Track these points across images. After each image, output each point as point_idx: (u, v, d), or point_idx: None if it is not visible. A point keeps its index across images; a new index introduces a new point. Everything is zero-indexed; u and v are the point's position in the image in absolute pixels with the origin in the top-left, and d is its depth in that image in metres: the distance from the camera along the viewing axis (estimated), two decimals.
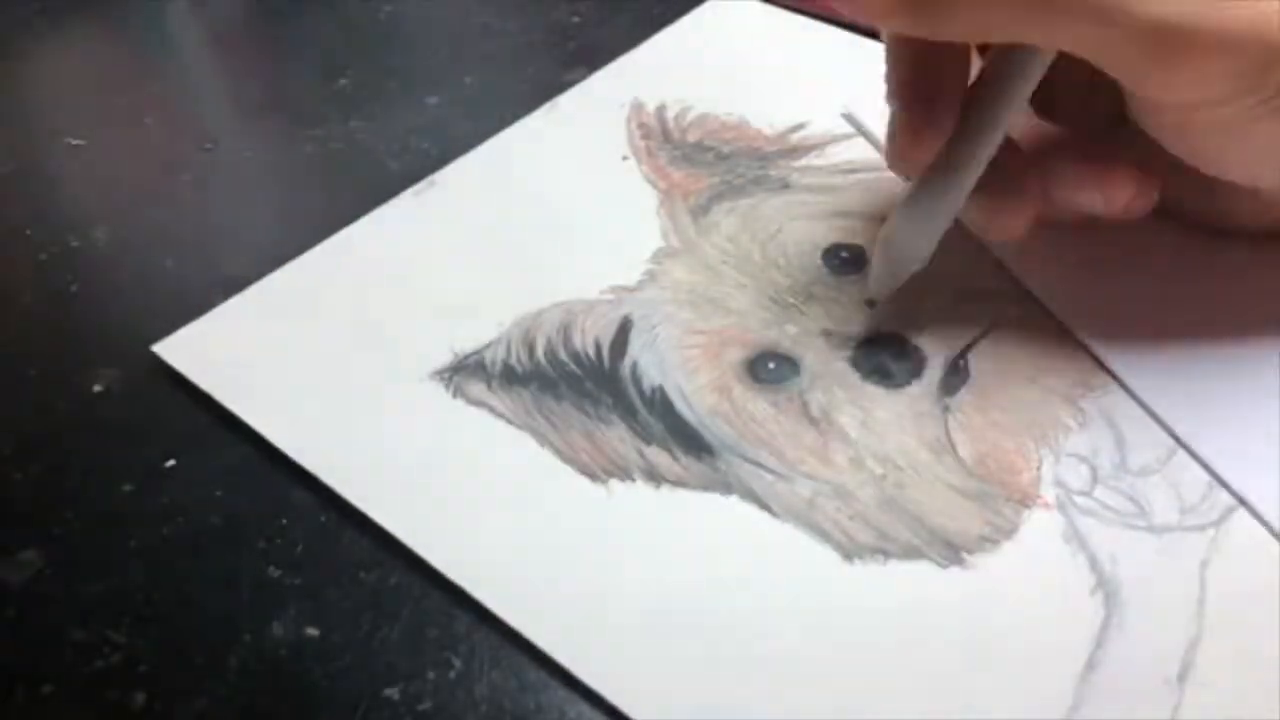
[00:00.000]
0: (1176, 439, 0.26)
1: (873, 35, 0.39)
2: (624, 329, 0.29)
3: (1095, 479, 0.25)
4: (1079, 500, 0.25)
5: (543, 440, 0.26)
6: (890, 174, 0.29)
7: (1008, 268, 0.30)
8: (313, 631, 0.23)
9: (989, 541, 0.24)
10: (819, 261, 0.30)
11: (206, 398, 0.28)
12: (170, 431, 0.27)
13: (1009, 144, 0.27)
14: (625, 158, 0.35)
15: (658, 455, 0.26)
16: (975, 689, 0.22)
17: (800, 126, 0.35)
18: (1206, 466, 0.25)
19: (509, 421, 0.27)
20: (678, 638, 0.23)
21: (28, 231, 0.34)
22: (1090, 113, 0.27)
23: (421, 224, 0.33)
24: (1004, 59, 0.25)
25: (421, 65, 0.41)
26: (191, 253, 0.33)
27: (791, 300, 0.29)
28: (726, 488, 0.25)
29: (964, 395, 0.27)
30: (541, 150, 0.35)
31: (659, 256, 0.31)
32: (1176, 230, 0.29)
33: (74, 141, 0.37)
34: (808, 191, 0.33)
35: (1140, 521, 0.24)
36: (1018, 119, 0.26)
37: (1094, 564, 0.23)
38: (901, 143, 0.26)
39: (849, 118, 0.35)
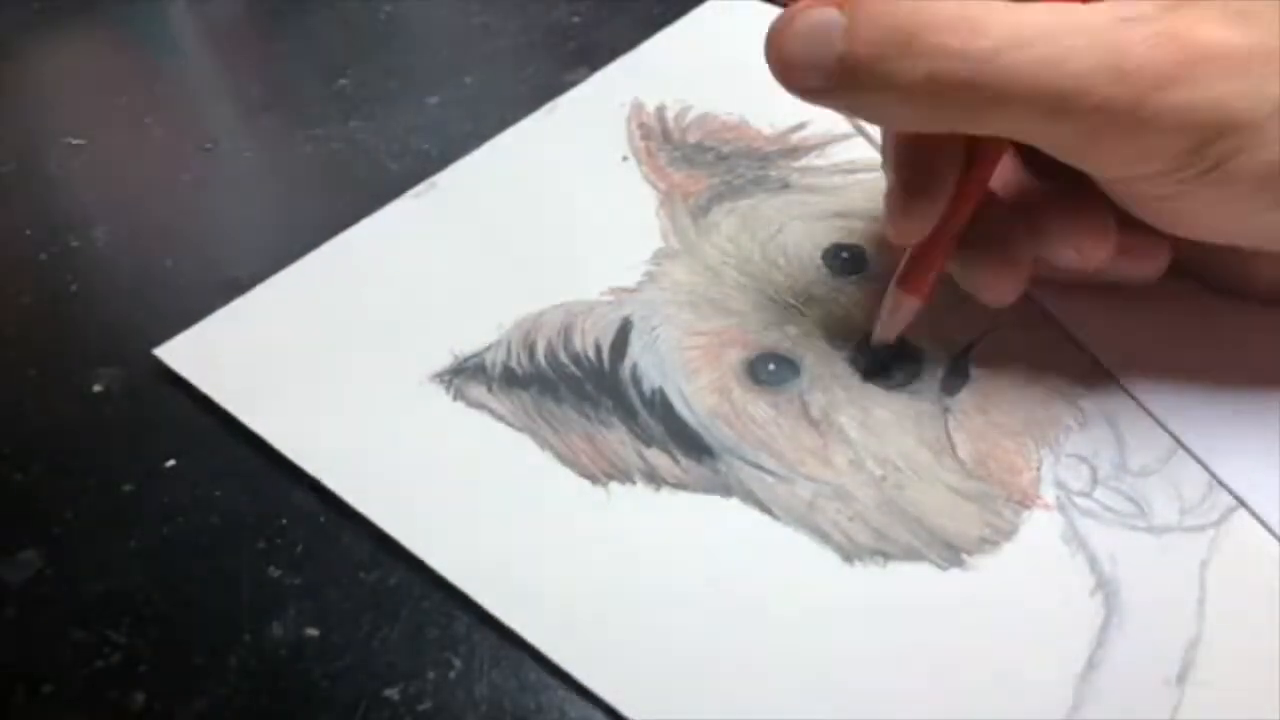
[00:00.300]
0: (1176, 439, 0.26)
1: None
2: (624, 330, 0.29)
3: (1095, 479, 0.25)
4: (1079, 501, 0.25)
5: (543, 443, 0.26)
6: None
7: None
8: (313, 631, 0.23)
9: (989, 543, 0.24)
10: (819, 262, 0.30)
11: (207, 398, 0.28)
12: (170, 431, 0.27)
13: (997, 206, 0.26)
14: (625, 158, 0.35)
15: (658, 457, 0.26)
16: (975, 689, 0.22)
17: (800, 126, 0.35)
18: (1206, 466, 0.25)
19: (509, 424, 0.27)
20: (678, 639, 0.23)
21: (28, 231, 0.34)
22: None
23: (421, 226, 0.33)
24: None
25: (421, 65, 0.41)
26: (191, 252, 0.33)
27: (791, 301, 0.29)
28: (727, 490, 0.25)
29: (964, 395, 0.27)
30: (541, 151, 0.35)
31: (659, 257, 0.31)
32: None
33: (74, 141, 0.37)
34: (808, 191, 0.33)
35: (1140, 522, 0.24)
36: (1003, 173, 0.26)
37: (1094, 564, 0.23)
38: (894, 213, 0.25)
39: (849, 118, 0.35)
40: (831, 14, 0.22)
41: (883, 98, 0.23)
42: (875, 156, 0.34)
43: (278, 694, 0.22)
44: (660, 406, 0.27)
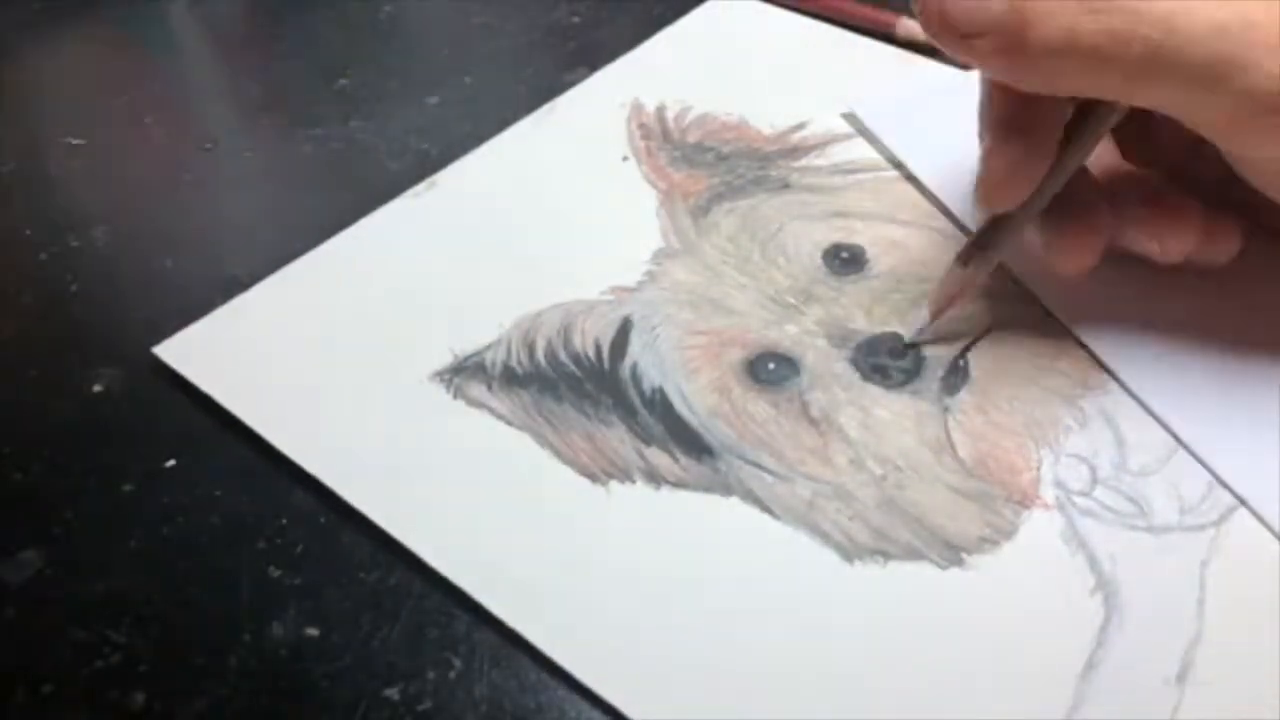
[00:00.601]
0: (1176, 439, 0.26)
1: (873, 35, 0.39)
2: (624, 330, 0.29)
3: (1095, 479, 0.25)
4: (1079, 500, 0.25)
5: (543, 441, 0.26)
6: (891, 174, 0.29)
7: (1008, 268, 0.30)
8: (313, 631, 0.23)
9: (989, 542, 0.24)
10: (819, 261, 0.30)
11: (207, 398, 0.28)
12: (170, 431, 0.27)
13: (1087, 178, 0.26)
14: (625, 158, 0.35)
15: (658, 456, 0.26)
16: (975, 689, 0.22)
17: (800, 126, 0.35)
18: (1206, 466, 0.25)
19: (509, 423, 0.27)
20: (677, 638, 0.23)
21: (28, 231, 0.34)
22: (1199, 176, 0.27)
23: (421, 225, 0.33)
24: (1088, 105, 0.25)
25: (421, 65, 0.41)
26: (191, 252, 0.33)
27: (791, 300, 0.29)
28: (726, 489, 0.25)
29: (964, 395, 0.27)
30: (541, 151, 0.35)
31: (659, 257, 0.31)
32: None
33: (74, 141, 0.37)
34: (808, 191, 0.33)
35: (1140, 521, 0.24)
36: (1102, 156, 0.26)
37: (1094, 564, 0.23)
38: (996, 178, 0.25)
39: (849, 118, 0.35)
40: None
41: (1059, 52, 0.22)
42: (875, 156, 0.34)
43: (278, 694, 0.22)
44: (660, 405, 0.27)
